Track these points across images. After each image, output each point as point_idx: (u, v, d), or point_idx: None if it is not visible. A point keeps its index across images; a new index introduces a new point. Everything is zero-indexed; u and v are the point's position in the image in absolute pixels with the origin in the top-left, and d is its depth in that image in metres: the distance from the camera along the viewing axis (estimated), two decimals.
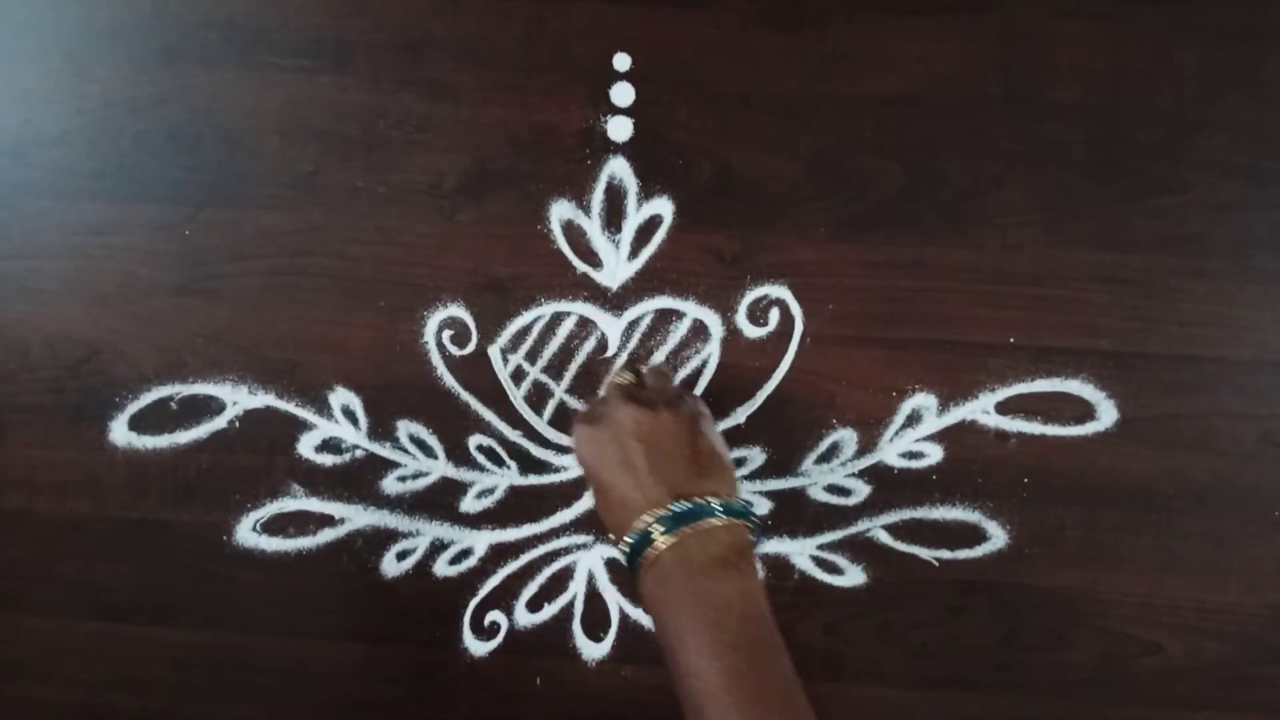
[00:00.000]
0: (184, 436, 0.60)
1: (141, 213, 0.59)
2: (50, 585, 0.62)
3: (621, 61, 0.58)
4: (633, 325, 0.59)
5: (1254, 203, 0.56)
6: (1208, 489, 0.58)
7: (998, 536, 0.59)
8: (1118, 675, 0.59)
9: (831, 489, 0.59)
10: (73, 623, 0.62)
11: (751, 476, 0.60)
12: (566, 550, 0.61)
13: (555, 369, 0.59)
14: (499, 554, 0.61)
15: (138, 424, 0.60)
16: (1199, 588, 0.58)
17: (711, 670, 0.42)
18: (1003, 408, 0.58)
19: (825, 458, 0.59)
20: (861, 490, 0.59)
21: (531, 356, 0.59)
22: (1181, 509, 0.58)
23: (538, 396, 0.60)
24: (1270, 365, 0.57)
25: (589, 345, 0.59)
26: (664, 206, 0.58)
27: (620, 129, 0.58)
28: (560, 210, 0.58)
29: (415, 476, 0.60)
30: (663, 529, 0.45)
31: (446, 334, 0.59)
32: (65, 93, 0.59)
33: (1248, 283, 0.57)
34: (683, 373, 0.59)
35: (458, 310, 0.59)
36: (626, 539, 0.46)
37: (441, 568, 0.61)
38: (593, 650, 0.61)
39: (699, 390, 0.59)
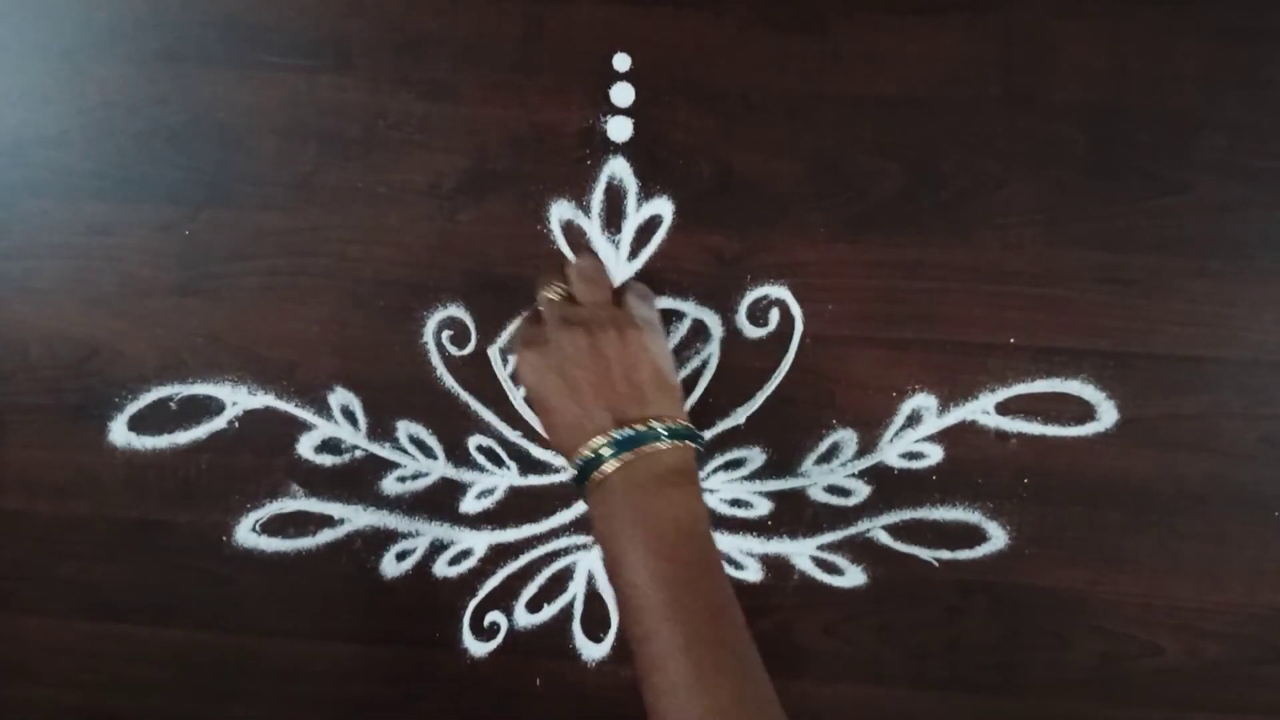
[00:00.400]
0: (184, 437, 0.60)
1: (141, 213, 0.59)
2: (50, 585, 0.62)
3: (621, 62, 0.58)
4: None
5: (1254, 203, 0.56)
6: (1208, 489, 0.58)
7: (998, 537, 0.59)
8: (1118, 676, 0.59)
9: (831, 489, 0.59)
10: (72, 623, 0.62)
11: (751, 476, 0.60)
12: (566, 551, 0.61)
13: None
14: (499, 554, 0.61)
15: (137, 424, 0.60)
16: (1199, 588, 0.58)
17: (649, 584, 0.44)
18: (1003, 408, 0.58)
19: (825, 458, 0.59)
20: (861, 491, 0.59)
21: None
22: (1182, 509, 0.58)
23: None
24: (1270, 365, 0.57)
25: None
26: (664, 207, 0.58)
27: (620, 129, 0.58)
28: (560, 210, 0.58)
29: (415, 477, 0.60)
30: (609, 453, 0.47)
31: (446, 334, 0.59)
32: (65, 92, 0.59)
33: (1248, 283, 0.57)
34: (683, 373, 0.59)
35: (457, 310, 0.59)
36: (574, 462, 0.48)
37: (441, 568, 0.61)
38: (592, 651, 0.61)
39: (699, 390, 0.59)
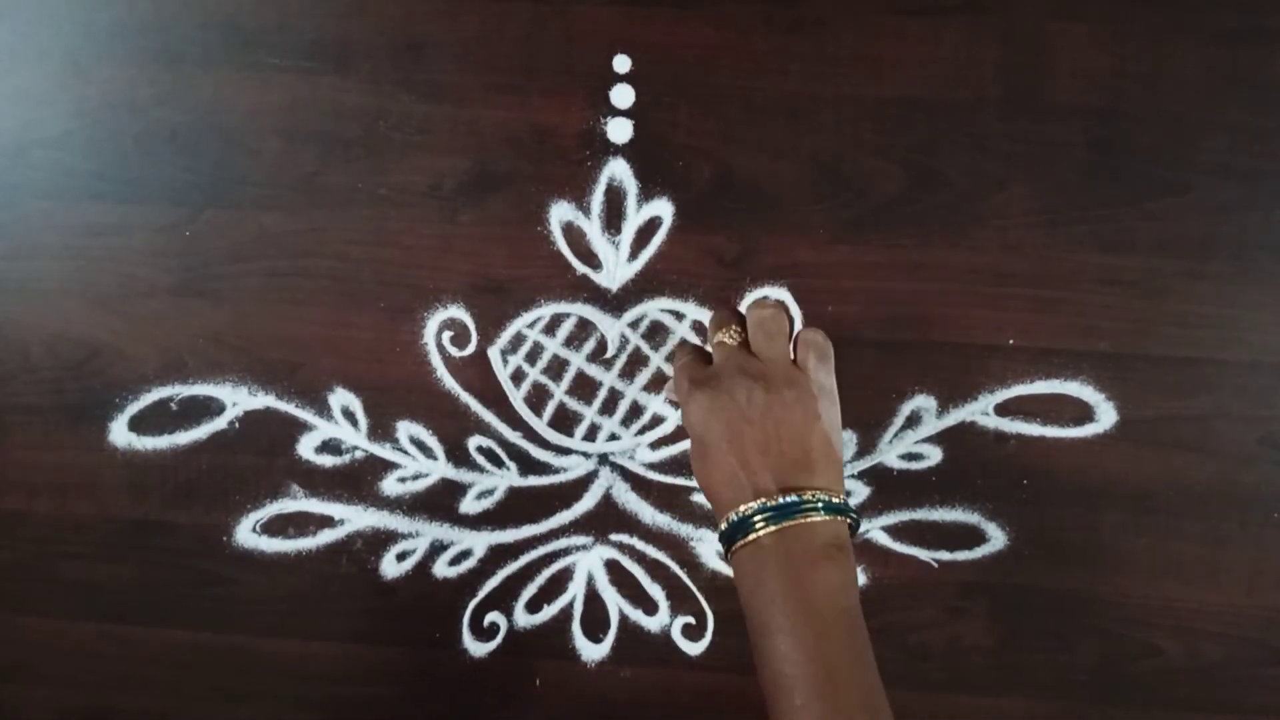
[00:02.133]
0: (184, 437, 0.61)
1: (142, 213, 0.59)
2: (50, 586, 0.62)
3: (621, 63, 0.58)
4: (632, 327, 0.59)
5: (1254, 205, 0.56)
6: (1208, 491, 0.58)
7: (997, 538, 0.59)
8: (1117, 677, 0.59)
9: None
10: (73, 623, 0.62)
11: None
12: (566, 551, 0.61)
13: (555, 370, 0.59)
14: (498, 555, 0.61)
15: (138, 425, 0.61)
16: (1198, 589, 0.58)
17: (802, 658, 0.43)
18: (1002, 409, 0.58)
19: None
20: (861, 492, 0.59)
21: (531, 358, 0.59)
22: (1181, 511, 0.58)
23: (537, 398, 0.60)
24: (1270, 367, 0.57)
25: (589, 347, 0.59)
26: (664, 208, 0.58)
27: (620, 131, 0.58)
28: (560, 212, 0.59)
29: (415, 477, 0.60)
30: (764, 518, 0.45)
31: (446, 335, 0.59)
32: (66, 93, 0.59)
33: (1248, 284, 0.57)
34: None
35: (458, 311, 0.59)
36: (728, 518, 0.46)
37: (441, 569, 0.61)
38: (592, 651, 0.61)
39: None
